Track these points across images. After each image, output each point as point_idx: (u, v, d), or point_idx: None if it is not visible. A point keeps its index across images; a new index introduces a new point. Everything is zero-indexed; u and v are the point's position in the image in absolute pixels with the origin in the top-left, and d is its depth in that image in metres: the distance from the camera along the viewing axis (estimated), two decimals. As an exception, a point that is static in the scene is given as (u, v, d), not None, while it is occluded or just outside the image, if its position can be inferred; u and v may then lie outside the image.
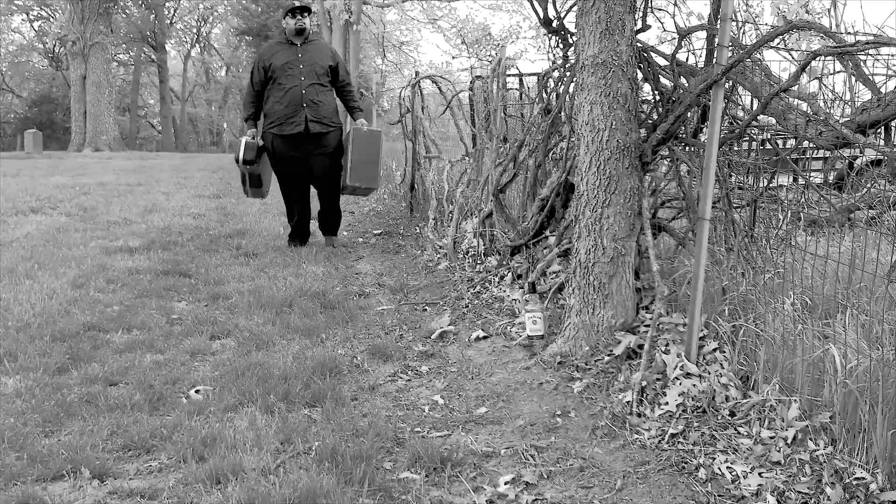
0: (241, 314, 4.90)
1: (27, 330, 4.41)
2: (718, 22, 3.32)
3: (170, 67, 42.23)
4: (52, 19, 39.14)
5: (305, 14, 6.84)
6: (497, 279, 5.28)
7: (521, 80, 8.05)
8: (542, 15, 4.51)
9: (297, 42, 6.80)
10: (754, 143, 5.28)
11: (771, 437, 2.92)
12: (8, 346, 4.11)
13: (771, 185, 4.65)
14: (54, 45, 39.78)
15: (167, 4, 38.07)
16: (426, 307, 5.14)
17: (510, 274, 5.18)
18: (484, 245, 5.92)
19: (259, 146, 6.73)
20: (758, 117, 3.80)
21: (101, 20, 25.23)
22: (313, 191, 7.17)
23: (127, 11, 36.21)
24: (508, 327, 4.45)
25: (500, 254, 5.54)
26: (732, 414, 3.13)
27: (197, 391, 3.62)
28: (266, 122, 6.78)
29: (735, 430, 3.05)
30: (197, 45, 44.09)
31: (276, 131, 6.70)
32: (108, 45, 26.30)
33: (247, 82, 7.08)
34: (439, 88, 8.67)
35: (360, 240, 7.72)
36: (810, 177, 5.49)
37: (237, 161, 6.68)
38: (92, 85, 25.40)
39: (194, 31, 43.27)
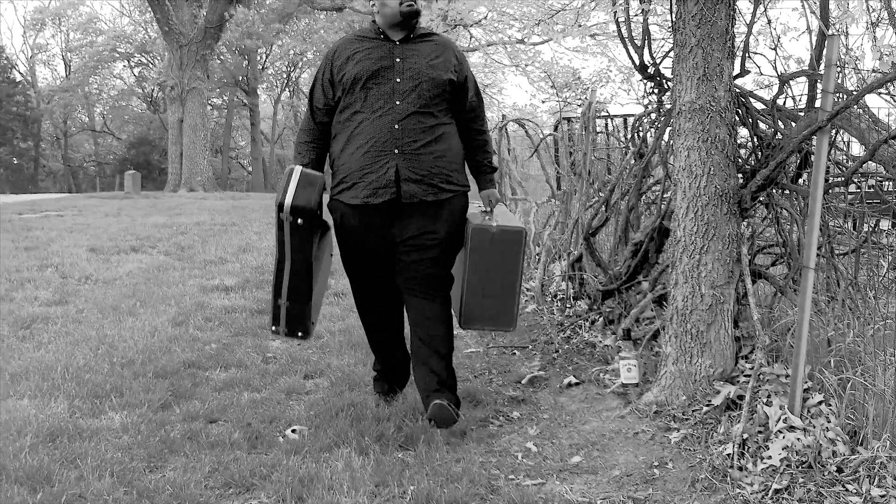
0: (332, 354, 4.98)
1: (131, 367, 4.58)
2: (821, 67, 3.27)
3: (261, 111, 43.73)
4: (151, 66, 41.23)
5: None
6: (588, 324, 5.24)
7: (607, 123, 8.05)
8: (637, 61, 4.52)
9: (395, 38, 3.69)
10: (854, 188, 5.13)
11: (882, 496, 2.80)
12: (114, 383, 4.27)
13: (874, 230, 4.50)
14: (153, 90, 41.76)
15: (259, 51, 39.47)
16: (514, 351, 5.12)
17: (601, 319, 5.13)
18: (573, 289, 5.88)
19: (323, 188, 3.65)
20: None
21: (199, 66, 26.37)
22: None
23: (222, 58, 37.73)
24: (601, 374, 4.39)
25: (590, 298, 5.49)
26: (840, 470, 3.01)
27: (293, 430, 3.68)
28: (334, 182, 3.79)
29: (843, 487, 2.93)
30: (287, 89, 45.52)
31: (347, 199, 3.69)
32: (203, 90, 27.43)
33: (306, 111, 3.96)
34: (526, 132, 8.74)
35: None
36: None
37: (279, 208, 3.48)
38: (188, 128, 26.50)
39: (284, 76, 44.74)
